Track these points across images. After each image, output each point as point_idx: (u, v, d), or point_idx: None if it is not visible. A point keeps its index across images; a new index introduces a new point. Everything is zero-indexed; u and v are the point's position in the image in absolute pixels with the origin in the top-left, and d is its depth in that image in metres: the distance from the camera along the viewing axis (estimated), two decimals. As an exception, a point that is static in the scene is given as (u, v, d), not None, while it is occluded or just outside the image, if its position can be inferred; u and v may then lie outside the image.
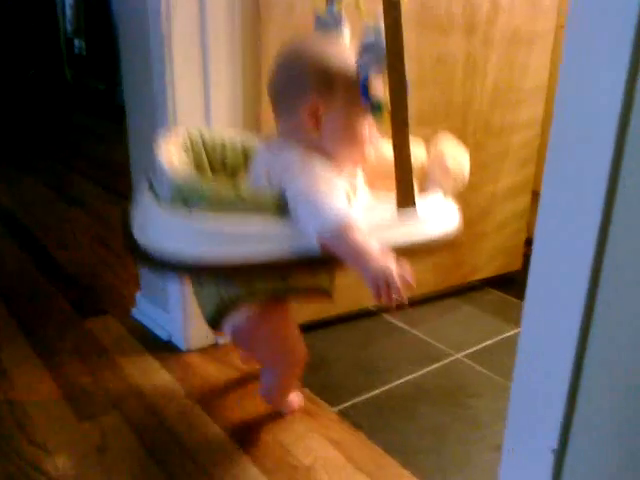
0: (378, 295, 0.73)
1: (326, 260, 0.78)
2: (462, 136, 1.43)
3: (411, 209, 0.82)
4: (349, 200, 0.79)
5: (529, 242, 1.59)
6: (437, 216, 0.86)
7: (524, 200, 1.59)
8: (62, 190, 2.53)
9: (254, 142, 0.98)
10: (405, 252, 0.79)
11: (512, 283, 1.60)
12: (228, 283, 0.87)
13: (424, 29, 1.27)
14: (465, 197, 0.94)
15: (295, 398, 1.07)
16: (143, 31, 1.14)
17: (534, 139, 1.53)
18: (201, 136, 0.94)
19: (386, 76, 0.75)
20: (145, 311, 1.42)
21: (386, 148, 0.83)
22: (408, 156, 0.78)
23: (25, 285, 1.62)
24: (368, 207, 0.84)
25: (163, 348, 1.30)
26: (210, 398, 1.13)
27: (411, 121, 0.76)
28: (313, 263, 0.79)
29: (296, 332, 0.96)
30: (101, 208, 2.30)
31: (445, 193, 0.91)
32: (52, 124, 3.94)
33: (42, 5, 4.40)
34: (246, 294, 0.87)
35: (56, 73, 4.62)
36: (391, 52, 0.73)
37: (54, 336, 1.35)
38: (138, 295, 1.44)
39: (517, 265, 1.65)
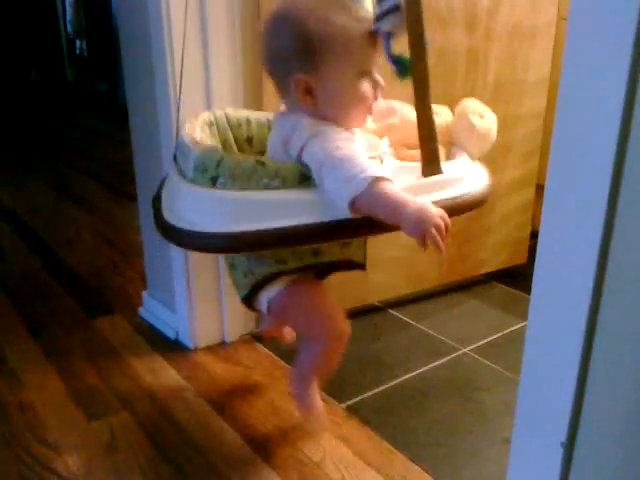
0: (423, 239, 0.71)
1: (357, 225, 0.76)
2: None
3: (437, 176, 0.79)
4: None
5: (534, 235, 1.59)
6: (465, 176, 0.83)
7: (528, 193, 1.59)
8: (66, 190, 2.54)
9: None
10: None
11: (518, 276, 1.60)
12: (259, 261, 0.86)
13: (425, 23, 1.26)
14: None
15: (319, 404, 0.98)
16: (144, 30, 1.14)
17: (537, 132, 1.53)
18: (225, 114, 0.95)
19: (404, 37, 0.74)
20: (152, 310, 1.42)
21: (412, 113, 0.81)
22: (431, 119, 0.77)
23: (32, 285, 1.63)
24: (394, 170, 0.80)
25: (170, 347, 1.30)
26: (218, 396, 1.14)
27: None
28: (344, 229, 0.77)
29: (334, 305, 0.93)
30: (105, 207, 2.30)
31: (472, 155, 0.88)
32: (54, 124, 3.95)
33: (42, 6, 4.41)
34: (278, 270, 0.86)
35: (57, 74, 4.63)
36: (411, 15, 0.71)
37: (62, 336, 1.36)
38: (145, 294, 1.45)
39: (522, 258, 1.64)
